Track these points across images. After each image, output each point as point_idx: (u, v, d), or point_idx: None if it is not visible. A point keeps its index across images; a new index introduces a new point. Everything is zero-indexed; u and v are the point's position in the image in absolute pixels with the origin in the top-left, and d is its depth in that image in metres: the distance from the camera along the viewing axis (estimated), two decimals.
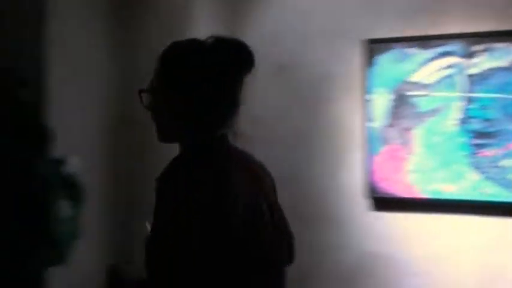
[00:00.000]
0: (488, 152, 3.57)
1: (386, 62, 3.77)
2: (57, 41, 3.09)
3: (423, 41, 3.70)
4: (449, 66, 3.64)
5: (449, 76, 3.64)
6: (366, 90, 3.80)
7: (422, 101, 3.69)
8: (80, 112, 3.36)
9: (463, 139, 3.61)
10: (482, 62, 3.58)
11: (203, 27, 3.76)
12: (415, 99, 3.70)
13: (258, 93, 4.04)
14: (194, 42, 1.68)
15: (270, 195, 1.76)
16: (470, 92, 3.60)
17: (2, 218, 2.42)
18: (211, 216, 1.53)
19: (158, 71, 1.69)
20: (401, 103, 3.73)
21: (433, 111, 3.67)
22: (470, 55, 3.60)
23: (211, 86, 1.64)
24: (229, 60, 1.65)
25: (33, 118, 2.71)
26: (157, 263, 1.55)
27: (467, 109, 3.60)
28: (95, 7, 3.56)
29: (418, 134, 3.70)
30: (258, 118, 4.03)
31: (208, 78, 1.64)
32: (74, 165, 2.77)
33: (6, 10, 3.07)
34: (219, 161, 1.64)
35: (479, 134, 3.58)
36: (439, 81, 3.66)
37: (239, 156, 1.73)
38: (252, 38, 4.12)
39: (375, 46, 3.79)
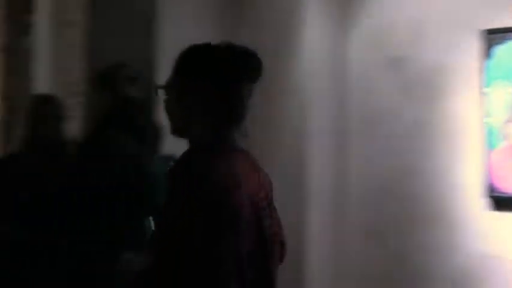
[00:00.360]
0: None
1: (506, 53, 3.62)
2: (168, 40, 3.13)
3: None
4: None
5: None
6: (484, 83, 3.67)
7: None
8: None
9: None
10: None
11: (315, 24, 3.76)
12: None
13: (372, 86, 4.01)
14: (208, 46, 1.87)
15: (269, 195, 1.86)
16: None
17: (113, 215, 2.47)
18: (213, 213, 1.61)
19: (173, 69, 1.85)
20: None
21: None
22: None
23: (219, 86, 1.78)
24: (237, 63, 1.81)
25: (143, 115, 2.74)
26: (162, 257, 1.66)
27: None
28: (206, 6, 3.58)
29: None
30: (372, 112, 4.01)
31: (217, 79, 1.78)
32: None
33: (118, 9, 3.13)
34: (223, 158, 1.75)
35: None
36: None
37: (243, 155, 1.83)
38: (365, 31, 4.12)
39: (493, 36, 3.64)
